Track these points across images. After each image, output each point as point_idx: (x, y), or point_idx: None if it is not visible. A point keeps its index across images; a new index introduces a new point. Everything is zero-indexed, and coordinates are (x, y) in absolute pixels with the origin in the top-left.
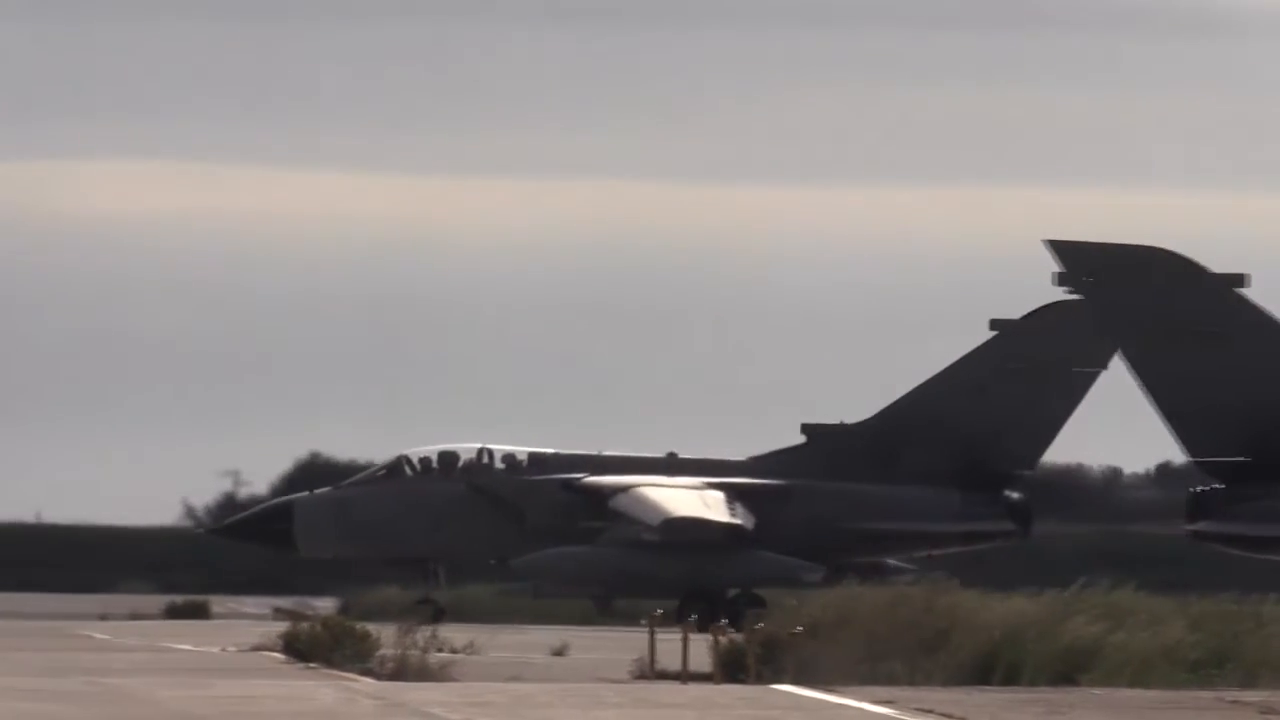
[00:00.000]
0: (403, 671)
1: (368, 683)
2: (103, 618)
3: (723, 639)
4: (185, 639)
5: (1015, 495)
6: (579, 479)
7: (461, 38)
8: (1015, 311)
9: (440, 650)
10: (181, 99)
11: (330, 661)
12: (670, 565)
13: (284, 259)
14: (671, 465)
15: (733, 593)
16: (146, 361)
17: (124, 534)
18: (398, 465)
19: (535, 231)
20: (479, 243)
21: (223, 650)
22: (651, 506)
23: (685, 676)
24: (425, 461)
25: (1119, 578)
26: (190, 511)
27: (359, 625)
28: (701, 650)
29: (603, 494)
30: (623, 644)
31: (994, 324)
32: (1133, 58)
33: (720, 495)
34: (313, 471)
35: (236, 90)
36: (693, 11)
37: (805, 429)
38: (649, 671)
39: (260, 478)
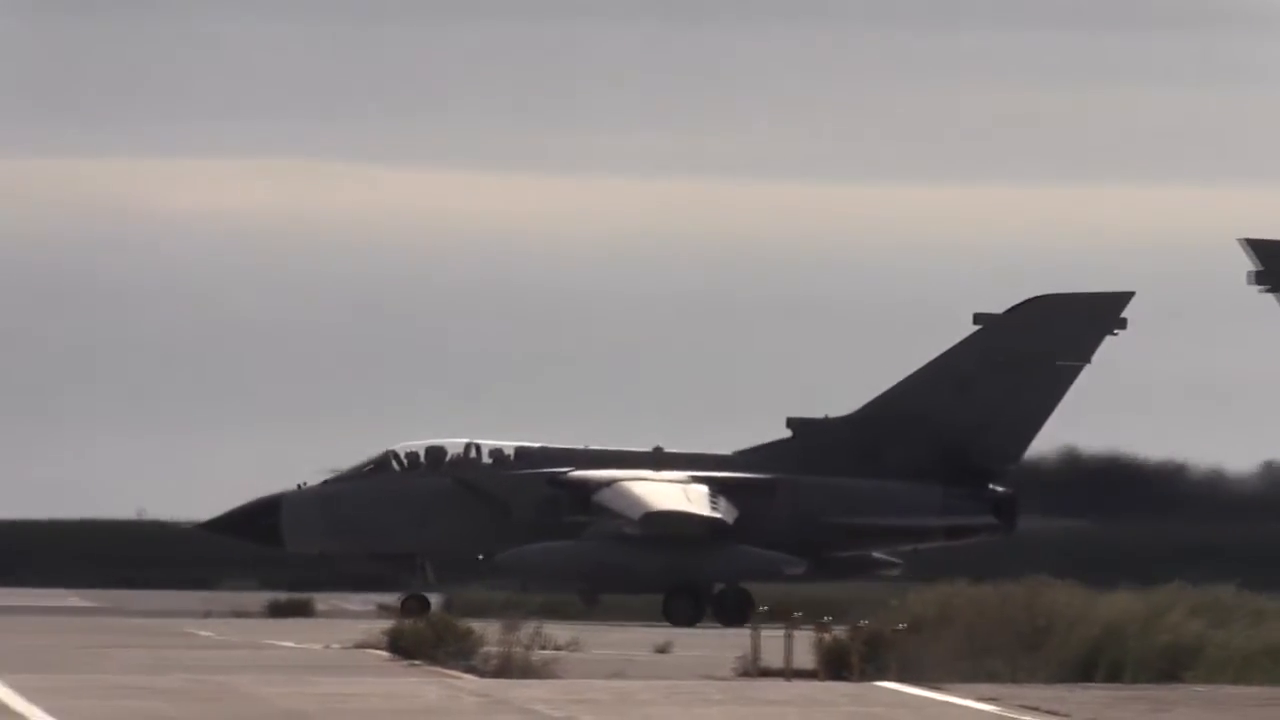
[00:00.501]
0: (506, 669)
1: (471, 680)
2: (206, 615)
3: (826, 636)
4: (288, 636)
5: (1000, 490)
6: (564, 473)
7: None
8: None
9: (544, 647)
10: (289, 96)
11: (434, 659)
12: (652, 559)
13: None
14: (658, 460)
15: (718, 588)
16: (248, 358)
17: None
18: (385, 460)
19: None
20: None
21: (326, 647)
22: (633, 500)
23: (789, 673)
24: (412, 456)
25: (1220, 576)
26: None
27: (462, 622)
28: (805, 647)
29: (588, 488)
30: (726, 641)
31: (977, 318)
32: (1225, 54)
33: (704, 489)
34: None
35: (340, 88)
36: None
37: (791, 423)
38: (753, 669)
39: None
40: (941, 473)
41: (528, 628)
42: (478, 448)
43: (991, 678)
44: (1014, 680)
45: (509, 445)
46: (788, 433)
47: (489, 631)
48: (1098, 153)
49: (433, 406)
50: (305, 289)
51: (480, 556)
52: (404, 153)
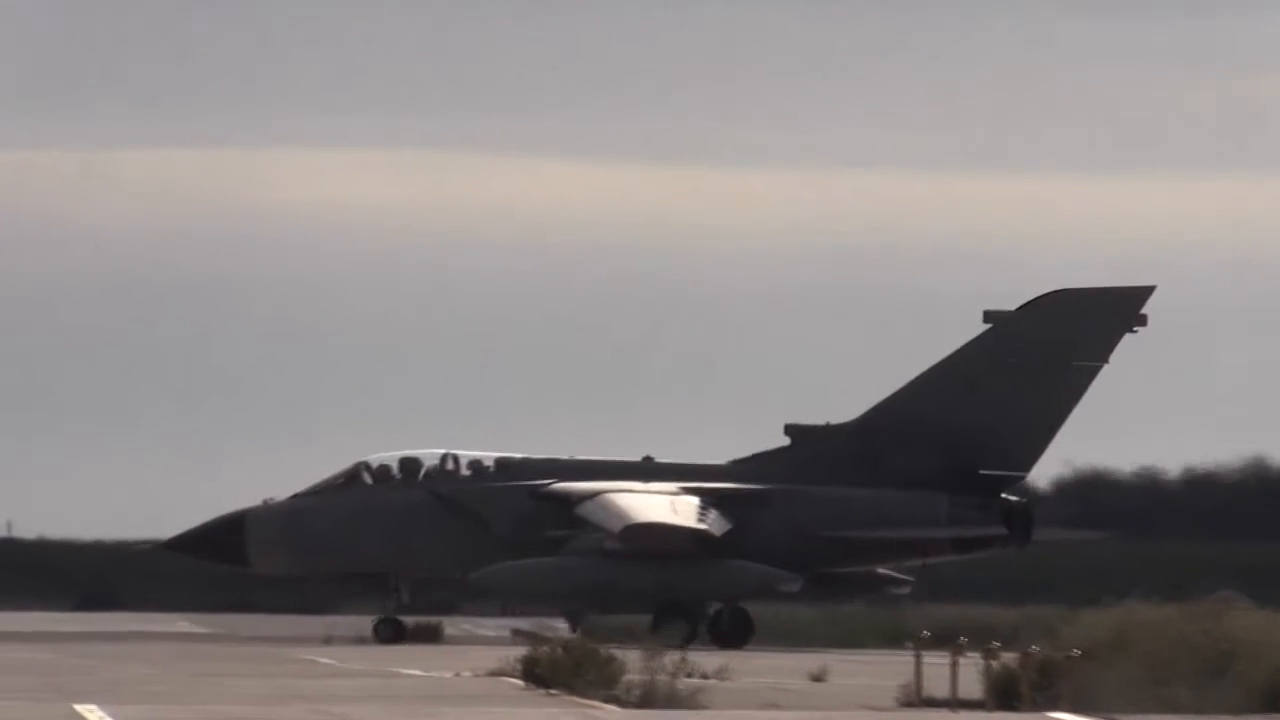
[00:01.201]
0: (651, 698)
1: (613, 710)
2: (327, 641)
3: (994, 663)
4: (416, 663)
5: (1014, 499)
6: (547, 485)
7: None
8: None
9: (690, 675)
10: (408, 88)
11: (572, 687)
12: (636, 576)
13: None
14: (648, 470)
15: (715, 607)
16: (366, 355)
17: None
18: (356, 473)
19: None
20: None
21: (457, 675)
22: (614, 512)
23: (955, 704)
24: (385, 469)
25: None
26: None
27: (603, 648)
28: (972, 676)
29: (570, 501)
30: (886, 669)
31: (988, 315)
32: None
33: (693, 501)
34: None
35: (461, 79)
36: None
37: (789, 430)
38: (916, 698)
39: None
40: (949, 481)
41: (672, 654)
42: (455, 459)
43: (1171, 708)
44: (1198, 710)
45: (489, 456)
46: (786, 441)
47: (631, 658)
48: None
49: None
50: (421, 285)
51: (458, 575)
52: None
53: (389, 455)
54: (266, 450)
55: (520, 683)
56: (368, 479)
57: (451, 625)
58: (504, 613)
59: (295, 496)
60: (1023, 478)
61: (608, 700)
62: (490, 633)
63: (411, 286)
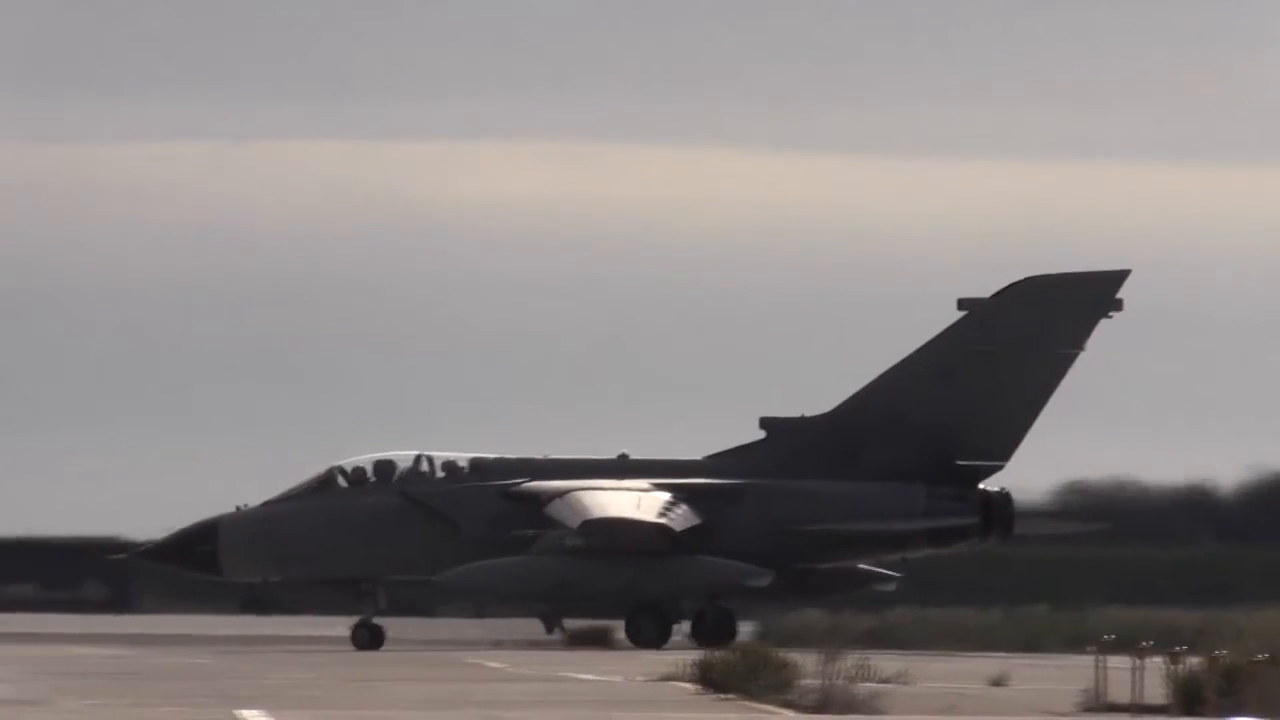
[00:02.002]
0: (827, 703)
1: (788, 715)
2: (496, 645)
3: (1179, 667)
4: (587, 668)
5: (992, 490)
6: (517, 485)
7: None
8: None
9: (868, 679)
10: (554, 78)
11: (747, 692)
12: (602, 574)
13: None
14: (622, 468)
15: (696, 606)
16: (531, 354)
17: None
18: (329, 477)
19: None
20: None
21: (629, 680)
22: (575, 509)
23: (1138, 709)
24: (359, 472)
25: None
26: None
27: (777, 652)
28: (1155, 680)
29: (540, 500)
30: (1067, 673)
31: (962, 303)
32: None
33: (662, 497)
34: None
35: (600, 68)
36: None
37: (764, 423)
38: (1098, 703)
39: None
40: (926, 473)
41: (850, 658)
42: (430, 460)
43: None
44: None
45: (463, 457)
46: (761, 434)
47: (807, 662)
48: None
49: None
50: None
51: (431, 579)
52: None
53: (362, 459)
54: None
55: (693, 687)
56: (342, 482)
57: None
58: (479, 615)
59: (267, 503)
60: (1000, 467)
61: (783, 705)
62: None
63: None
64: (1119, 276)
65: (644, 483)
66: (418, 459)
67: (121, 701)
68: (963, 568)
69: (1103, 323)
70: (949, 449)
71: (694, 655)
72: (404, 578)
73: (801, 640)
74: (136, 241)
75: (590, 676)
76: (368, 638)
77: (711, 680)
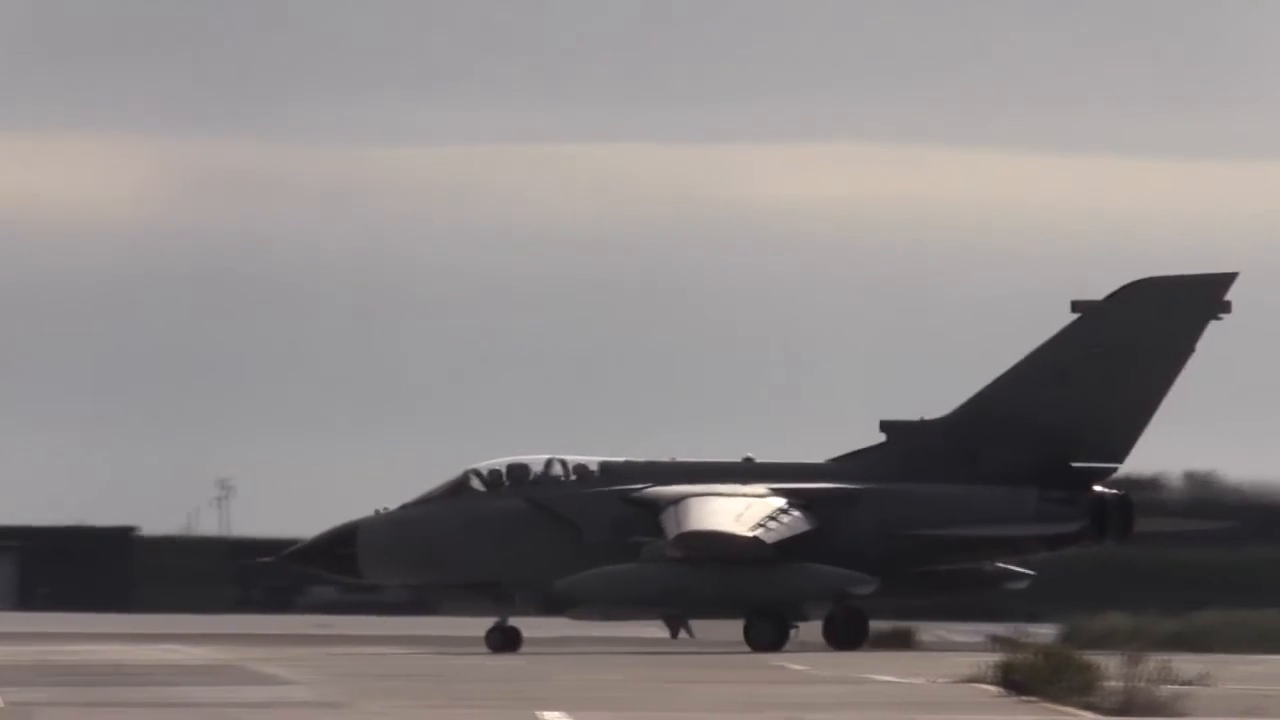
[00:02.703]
0: (1129, 706)
1: (1090, 718)
2: (799, 647)
3: None
4: (888, 670)
5: (1107, 492)
6: (638, 490)
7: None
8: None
9: (1170, 682)
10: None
11: (1049, 695)
12: (705, 581)
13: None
14: (747, 471)
15: (825, 609)
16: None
17: None
18: (464, 481)
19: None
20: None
21: (930, 682)
22: (675, 520)
23: None
24: (494, 475)
25: None
26: None
27: (1081, 654)
28: None
29: (658, 506)
30: None
31: (1075, 305)
32: None
33: (775, 504)
34: None
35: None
36: None
37: (884, 426)
38: None
39: None
40: (1042, 475)
41: (1152, 660)
42: (563, 463)
43: None
44: None
45: (593, 460)
46: (882, 437)
47: (1110, 665)
48: None
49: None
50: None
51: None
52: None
53: (496, 462)
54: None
55: (995, 689)
56: (477, 485)
57: (925, 631)
58: (607, 619)
59: (404, 506)
60: (1114, 469)
61: (1085, 707)
62: (963, 638)
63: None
64: (1227, 279)
65: (762, 488)
66: (549, 463)
67: (423, 703)
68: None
69: (1212, 324)
70: (1064, 451)
71: (992, 657)
72: (531, 582)
73: (1105, 643)
74: (457, 243)
75: (891, 678)
76: (501, 640)
77: (1013, 682)
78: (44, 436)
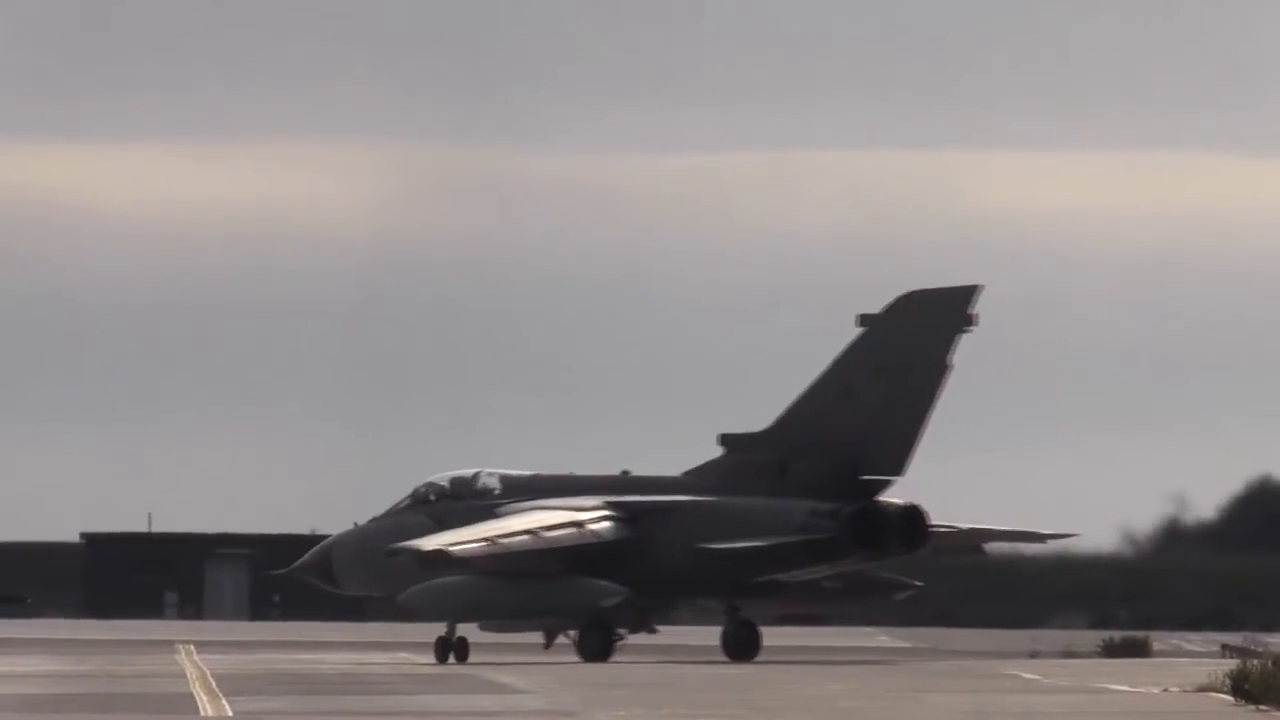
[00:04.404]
0: None
1: None
2: (1033, 655)
3: None
4: (1122, 679)
5: (895, 503)
6: (500, 504)
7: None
8: None
9: None
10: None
11: None
12: (506, 593)
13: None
14: (621, 485)
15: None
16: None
17: (1058, 563)
18: (420, 494)
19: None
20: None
21: (1163, 691)
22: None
23: None
24: (434, 487)
25: None
26: (1129, 538)
27: None
28: None
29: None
30: None
31: (861, 319)
32: None
33: (584, 517)
34: (1265, 496)
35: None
36: None
37: (722, 439)
38: None
39: (1207, 501)
40: (836, 489)
41: None
42: (487, 477)
43: None
44: None
45: (512, 474)
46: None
47: None
48: None
49: None
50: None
51: None
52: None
53: (442, 475)
54: None
55: (1229, 698)
56: (424, 498)
57: (1159, 640)
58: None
59: (372, 519)
60: (891, 483)
61: None
62: (1198, 647)
63: None
64: (970, 292)
65: (595, 501)
66: (475, 475)
67: (654, 712)
68: None
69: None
70: (854, 464)
71: (1228, 665)
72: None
73: None
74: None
75: (1125, 688)
76: (444, 650)
77: (1246, 691)
78: (279, 442)
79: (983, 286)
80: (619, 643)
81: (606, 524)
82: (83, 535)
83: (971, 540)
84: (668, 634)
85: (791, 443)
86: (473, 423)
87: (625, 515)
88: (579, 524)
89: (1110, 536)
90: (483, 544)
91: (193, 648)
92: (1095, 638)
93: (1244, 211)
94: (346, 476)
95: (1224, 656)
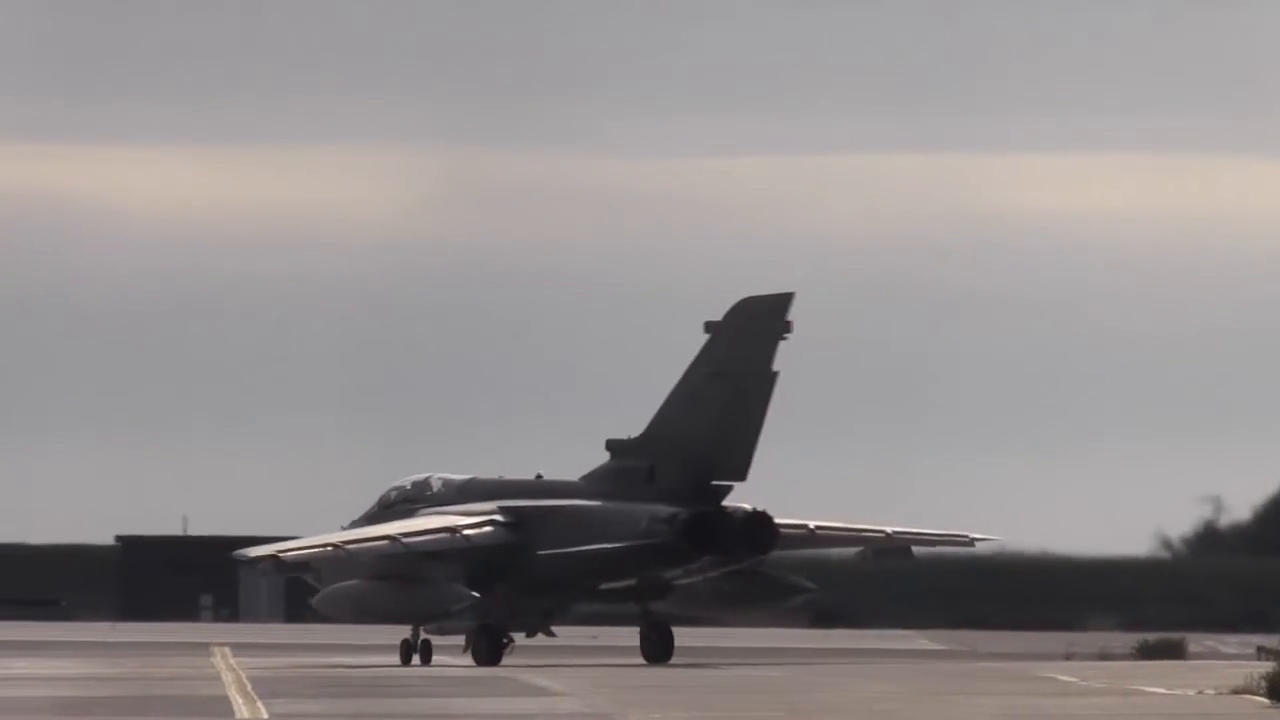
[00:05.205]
0: None
1: None
2: (1068, 658)
3: None
4: (1157, 681)
5: (741, 509)
6: (421, 510)
7: None
8: None
9: None
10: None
11: None
12: (382, 596)
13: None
14: (531, 489)
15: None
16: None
17: (1091, 565)
18: (382, 497)
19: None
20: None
21: (1199, 693)
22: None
23: None
24: (397, 491)
25: None
26: (1165, 542)
27: None
28: None
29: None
30: None
31: (706, 325)
32: None
33: (462, 522)
34: None
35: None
36: None
37: (607, 444)
38: None
39: (1242, 503)
40: (691, 493)
41: None
42: (436, 482)
43: None
44: None
45: (454, 478)
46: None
47: None
48: None
49: None
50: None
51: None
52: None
53: (404, 479)
54: None
55: (1265, 700)
56: (394, 502)
57: (1195, 642)
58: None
59: (353, 521)
60: (730, 488)
61: None
62: (1233, 650)
63: None
64: (786, 299)
65: (490, 505)
66: (427, 479)
67: (690, 715)
68: None
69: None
70: (705, 469)
71: (1263, 668)
72: None
73: None
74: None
75: (1161, 690)
76: (407, 653)
77: None
78: (314, 445)
79: (794, 294)
80: (508, 646)
81: (488, 529)
82: (118, 538)
83: (896, 543)
84: (712, 636)
85: (658, 448)
86: (503, 426)
87: (511, 520)
88: (454, 529)
89: (1146, 540)
90: (324, 549)
91: (228, 650)
92: (1131, 640)
93: (1278, 212)
94: (381, 480)
95: (1260, 659)
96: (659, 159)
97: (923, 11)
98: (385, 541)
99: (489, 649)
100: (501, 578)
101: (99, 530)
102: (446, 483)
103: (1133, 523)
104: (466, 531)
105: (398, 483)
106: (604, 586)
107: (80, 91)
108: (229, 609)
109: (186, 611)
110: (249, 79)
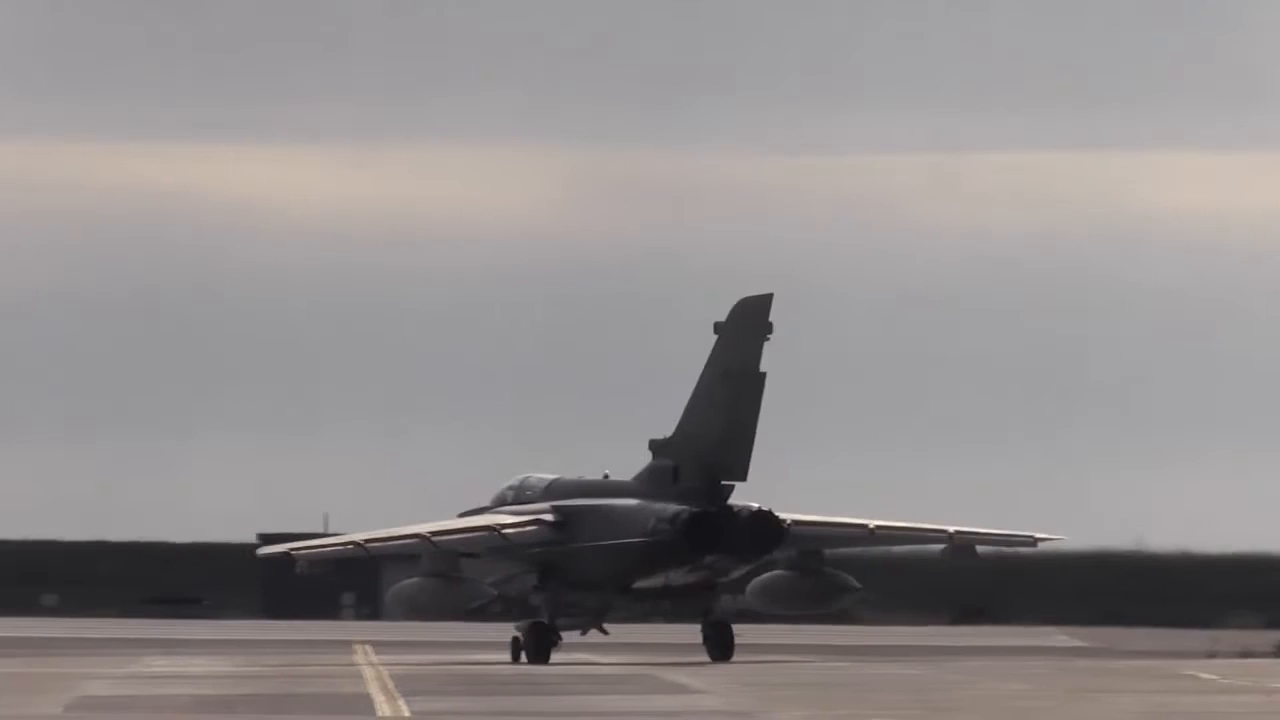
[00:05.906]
0: None
1: None
2: (1210, 656)
3: None
4: None
5: (746, 508)
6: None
7: None
8: None
9: None
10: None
11: None
12: (422, 593)
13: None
14: (597, 489)
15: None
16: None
17: (1233, 563)
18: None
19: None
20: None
21: None
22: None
23: None
24: (508, 492)
25: None
26: None
27: None
28: None
29: None
30: None
31: (716, 328)
32: None
33: (511, 520)
34: None
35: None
36: None
37: (651, 445)
38: None
39: None
40: (705, 493)
41: None
42: (526, 481)
43: None
44: None
45: (546, 478)
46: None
47: None
48: None
49: None
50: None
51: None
52: None
53: (519, 477)
54: None
55: None
56: (510, 498)
57: None
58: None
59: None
60: (732, 488)
61: None
62: None
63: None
64: (766, 300)
65: (546, 505)
66: (527, 478)
67: (831, 712)
68: None
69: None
70: (715, 469)
71: None
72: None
73: None
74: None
75: None
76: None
77: None
78: (455, 442)
79: (773, 295)
80: (558, 643)
81: (531, 528)
82: (260, 536)
83: (959, 542)
84: (849, 634)
85: (682, 448)
86: (640, 419)
87: (559, 520)
88: (494, 528)
89: None
90: (345, 548)
91: (370, 648)
92: (1273, 638)
93: None
94: (511, 477)
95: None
96: (816, 156)
97: (1086, 11)
98: (415, 540)
99: (538, 646)
100: (549, 575)
101: (241, 529)
102: (539, 482)
103: (1274, 521)
104: (506, 530)
105: (510, 481)
106: (637, 585)
107: (218, 90)
108: (370, 607)
109: (328, 610)
110: (385, 76)
